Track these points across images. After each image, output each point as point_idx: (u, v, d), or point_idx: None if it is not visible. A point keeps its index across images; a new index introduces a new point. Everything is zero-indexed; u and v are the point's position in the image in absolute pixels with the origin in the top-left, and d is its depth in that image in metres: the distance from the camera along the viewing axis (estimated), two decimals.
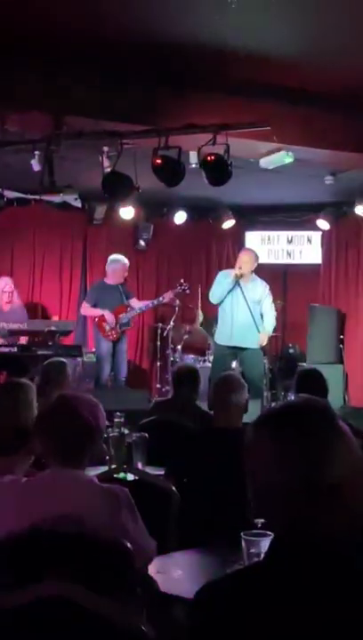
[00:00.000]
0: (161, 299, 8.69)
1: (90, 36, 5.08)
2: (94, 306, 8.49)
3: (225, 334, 7.75)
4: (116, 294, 8.52)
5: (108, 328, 8.38)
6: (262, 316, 7.75)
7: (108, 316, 8.35)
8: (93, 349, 8.71)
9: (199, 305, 9.39)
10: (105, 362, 8.41)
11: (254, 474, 1.44)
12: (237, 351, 7.74)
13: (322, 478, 1.37)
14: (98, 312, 8.44)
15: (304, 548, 1.37)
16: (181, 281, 8.75)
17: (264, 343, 7.67)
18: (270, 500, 1.41)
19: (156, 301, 8.72)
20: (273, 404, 1.51)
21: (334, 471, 1.38)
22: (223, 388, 3.93)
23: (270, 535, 2.23)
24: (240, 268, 7.62)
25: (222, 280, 7.73)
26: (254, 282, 7.80)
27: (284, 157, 6.24)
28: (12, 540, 2.27)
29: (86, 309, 8.67)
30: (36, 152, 5.93)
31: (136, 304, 8.65)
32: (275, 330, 8.19)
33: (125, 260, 8.65)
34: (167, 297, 8.66)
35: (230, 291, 7.65)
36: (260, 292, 7.77)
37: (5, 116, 5.67)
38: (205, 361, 8.85)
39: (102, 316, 8.37)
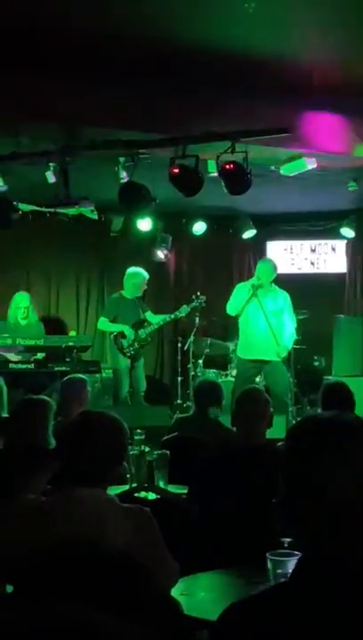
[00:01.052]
0: (177, 313, 8.53)
1: (105, 44, 5.05)
2: (113, 320, 8.33)
3: (246, 347, 7.63)
4: (134, 308, 8.37)
5: (126, 344, 8.22)
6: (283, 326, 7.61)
7: (128, 331, 8.20)
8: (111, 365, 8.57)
9: None
10: (124, 378, 8.25)
11: (294, 491, 1.39)
12: (260, 364, 7.59)
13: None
14: (116, 327, 8.27)
15: (336, 569, 1.33)
16: (198, 294, 8.60)
17: (282, 356, 7.50)
18: (311, 517, 1.36)
19: (172, 315, 8.56)
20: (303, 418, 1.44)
21: None
22: (246, 404, 3.88)
23: (297, 555, 2.12)
24: (259, 278, 7.48)
25: (240, 291, 7.61)
26: (274, 292, 7.67)
27: (305, 164, 6.12)
28: (30, 560, 2.26)
29: (105, 324, 8.49)
30: (51, 164, 5.87)
31: (153, 319, 8.50)
32: (296, 342, 8.02)
33: (145, 273, 8.50)
34: (184, 311, 8.50)
35: (249, 302, 7.50)
36: (280, 302, 7.63)
37: (20, 128, 5.61)
38: (227, 375, 8.68)
39: (122, 332, 8.21)
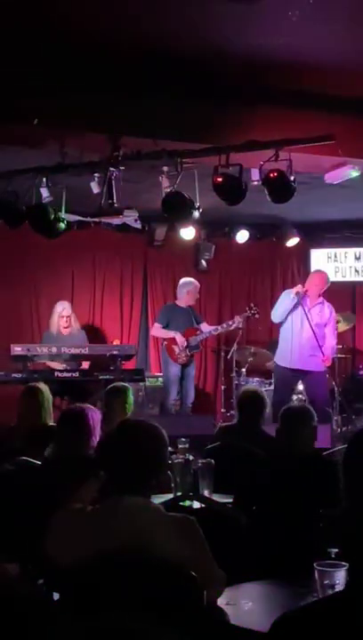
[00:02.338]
0: (230, 323, 8.55)
1: (147, 55, 5.04)
2: (166, 327, 8.40)
3: (286, 356, 7.58)
4: (187, 317, 8.47)
5: (177, 351, 8.28)
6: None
7: (179, 338, 8.27)
8: (160, 373, 8.59)
9: None
10: (173, 386, 8.30)
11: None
12: (300, 374, 7.54)
13: None
14: (170, 334, 8.36)
15: None
16: (252, 305, 8.62)
17: (328, 365, 7.46)
18: None
19: (225, 325, 8.59)
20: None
21: None
22: (292, 421, 3.88)
23: (344, 566, 2.09)
24: (303, 286, 7.47)
25: (285, 298, 7.57)
26: (322, 305, 7.62)
27: (350, 171, 6.06)
28: (77, 568, 2.28)
29: (157, 330, 8.61)
30: (96, 174, 5.90)
31: (206, 328, 8.54)
32: (340, 351, 7.95)
33: (197, 283, 8.58)
34: (236, 321, 8.52)
35: (294, 311, 7.45)
36: (326, 316, 7.59)
37: (64, 140, 5.66)
38: (270, 384, 8.63)
39: (173, 338, 8.27)
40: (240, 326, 8.65)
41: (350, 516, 1.38)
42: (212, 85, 5.44)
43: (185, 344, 8.27)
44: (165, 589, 2.22)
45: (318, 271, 8.05)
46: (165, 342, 8.41)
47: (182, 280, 8.64)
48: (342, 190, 6.99)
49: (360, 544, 1.38)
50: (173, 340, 8.29)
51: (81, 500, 2.77)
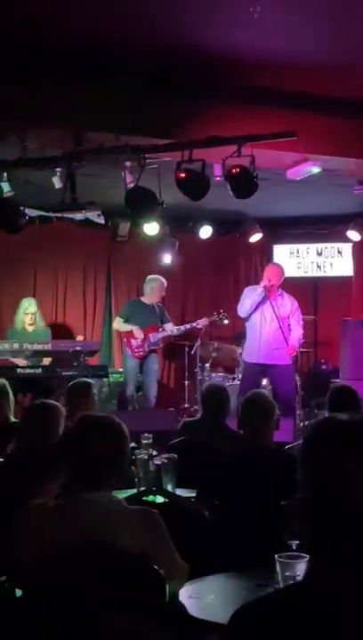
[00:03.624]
0: (195, 324, 8.60)
1: (110, 50, 5.02)
2: (126, 321, 8.40)
3: (253, 351, 7.61)
4: (151, 314, 8.46)
5: (135, 345, 8.27)
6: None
7: (137, 332, 8.26)
8: (120, 368, 8.60)
9: None
10: (130, 380, 8.31)
11: (320, 492, 1.38)
12: (266, 368, 7.58)
13: None
14: (127, 327, 8.34)
15: (354, 570, 1.32)
16: (221, 310, 8.68)
17: (292, 355, 7.52)
18: (331, 520, 1.36)
19: (189, 326, 8.64)
20: (312, 421, 1.42)
21: None
22: (252, 408, 3.87)
23: (305, 557, 2.13)
24: (269, 280, 7.47)
25: (251, 293, 7.61)
26: (282, 298, 7.69)
27: (311, 167, 6.10)
28: (41, 564, 2.29)
29: (117, 323, 8.62)
30: (58, 169, 5.86)
31: (169, 327, 8.55)
32: (303, 346, 8.02)
33: (163, 280, 8.57)
34: (201, 323, 8.62)
35: (258, 306, 7.50)
36: (288, 308, 7.64)
37: (26, 133, 5.61)
38: (234, 379, 8.68)
39: (131, 331, 8.26)
40: (203, 326, 8.69)
41: (304, 507, 1.40)
42: (175, 81, 5.44)
43: (142, 337, 8.26)
44: (128, 582, 2.23)
45: (274, 264, 8.11)
46: (125, 336, 8.41)
47: (148, 277, 8.65)
48: (304, 186, 7.05)
49: (315, 535, 1.40)
50: (131, 334, 8.30)
51: (44, 496, 2.75)
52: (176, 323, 8.87)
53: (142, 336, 8.29)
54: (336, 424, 1.43)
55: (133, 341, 8.31)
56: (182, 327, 8.67)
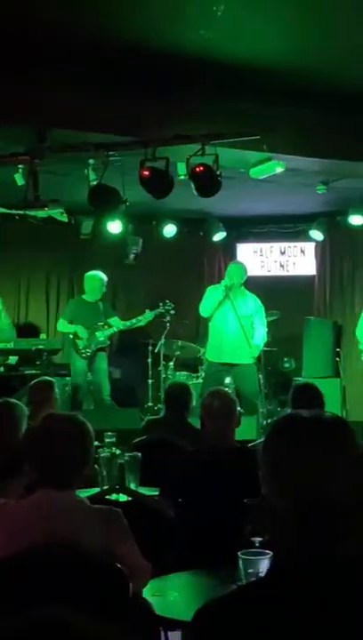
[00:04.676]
0: (140, 318, 8.52)
1: (74, 47, 4.99)
2: (71, 322, 8.31)
3: (216, 350, 7.61)
4: (94, 311, 8.34)
5: (81, 345, 8.19)
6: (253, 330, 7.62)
7: (82, 332, 8.17)
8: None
9: None
10: (80, 380, 8.21)
11: (279, 490, 1.38)
12: (229, 367, 7.60)
13: (355, 491, 1.35)
14: (71, 328, 8.27)
15: (314, 566, 1.33)
16: (166, 301, 8.61)
17: (254, 356, 7.53)
18: (291, 518, 1.36)
19: (134, 321, 8.55)
20: (281, 417, 1.42)
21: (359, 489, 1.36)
22: (213, 404, 3.85)
23: (268, 554, 2.13)
24: (230, 279, 7.49)
25: (212, 292, 7.61)
26: (244, 296, 7.69)
27: (274, 167, 6.15)
28: (3, 564, 2.26)
29: (61, 325, 8.48)
30: (20, 166, 5.81)
31: (116, 323, 8.47)
32: (266, 344, 8.04)
33: (102, 276, 8.46)
34: (146, 317, 8.52)
35: (220, 305, 7.50)
36: (251, 306, 7.64)
37: None
38: (198, 377, 8.68)
39: (76, 332, 8.19)
40: (149, 320, 8.64)
41: (264, 504, 1.41)
42: (139, 79, 5.42)
43: (87, 338, 8.20)
44: (91, 581, 2.22)
45: (235, 262, 8.11)
46: (71, 336, 8.33)
47: (87, 274, 8.51)
48: (268, 185, 7.08)
49: (275, 532, 1.40)
50: (76, 335, 8.22)
51: (6, 496, 2.74)
52: None
53: (87, 336, 8.22)
54: (297, 421, 1.44)
55: (78, 342, 8.22)
56: (128, 322, 8.58)
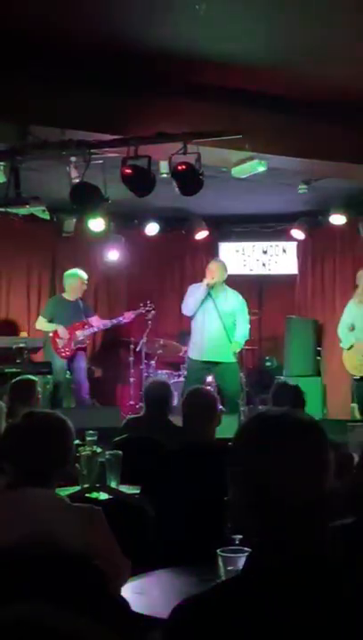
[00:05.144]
0: (121, 319, 8.52)
1: (55, 44, 4.96)
2: (50, 321, 8.28)
3: (198, 348, 7.61)
4: (74, 310, 8.32)
5: (61, 344, 8.16)
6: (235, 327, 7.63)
7: (62, 331, 8.15)
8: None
9: None
10: (59, 378, 8.19)
11: (257, 486, 1.39)
12: (211, 365, 7.60)
13: (323, 490, 1.37)
14: (51, 327, 8.23)
15: (287, 562, 1.35)
16: (148, 302, 8.62)
17: (235, 352, 7.53)
18: (271, 512, 1.37)
19: (115, 321, 8.55)
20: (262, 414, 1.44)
21: (328, 485, 1.38)
22: (194, 403, 3.85)
23: (247, 551, 2.14)
24: (212, 277, 7.49)
25: (194, 291, 7.60)
26: (226, 293, 7.68)
27: (256, 166, 6.16)
28: None
29: (41, 324, 8.44)
30: (1, 163, 5.78)
31: (95, 322, 8.46)
32: (247, 343, 8.06)
33: (82, 274, 8.45)
34: (128, 317, 8.52)
35: (203, 303, 7.50)
36: (232, 303, 7.65)
37: None
38: (179, 376, 8.69)
39: (56, 331, 8.16)
40: (130, 320, 8.63)
41: (234, 502, 1.42)
42: (122, 77, 5.41)
43: (67, 337, 8.18)
44: (70, 580, 2.22)
45: (216, 260, 8.11)
46: (50, 335, 8.30)
47: (66, 272, 8.49)
48: (250, 184, 7.09)
49: (250, 529, 1.41)
50: (56, 334, 8.20)
51: None
52: None
53: (68, 335, 8.19)
54: (265, 419, 1.45)
55: (58, 341, 8.19)
56: (108, 322, 8.57)
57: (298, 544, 1.36)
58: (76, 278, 8.36)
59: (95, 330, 8.47)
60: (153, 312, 8.68)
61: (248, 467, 1.40)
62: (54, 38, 4.91)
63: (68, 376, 8.31)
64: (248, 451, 1.41)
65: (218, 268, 7.64)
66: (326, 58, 5.19)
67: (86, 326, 8.32)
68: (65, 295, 8.43)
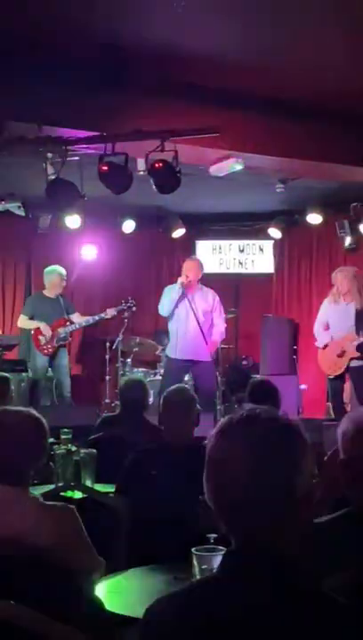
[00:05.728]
0: (103, 315, 8.50)
1: (31, 39, 4.92)
2: (31, 318, 8.25)
3: (175, 347, 7.60)
4: (55, 307, 8.30)
5: (43, 341, 8.13)
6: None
7: (44, 328, 8.11)
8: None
9: None
10: (40, 376, 8.16)
11: (226, 485, 1.39)
12: (188, 364, 7.60)
13: (293, 490, 1.37)
14: (34, 324, 8.19)
15: (262, 561, 1.35)
16: (129, 298, 8.61)
17: (211, 352, 7.54)
18: (239, 512, 1.38)
19: (97, 317, 8.52)
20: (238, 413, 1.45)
21: (302, 484, 1.38)
22: (172, 402, 3.85)
23: (222, 550, 2.14)
24: (187, 276, 7.48)
25: (169, 292, 7.58)
26: (202, 292, 7.67)
27: (234, 165, 6.17)
28: None
29: (22, 321, 8.41)
30: None
31: (77, 319, 8.43)
32: (223, 341, 8.07)
33: (62, 270, 8.42)
34: (110, 313, 8.51)
35: (179, 302, 7.48)
36: (209, 302, 7.64)
37: None
38: (156, 374, 8.67)
39: (38, 328, 8.13)
40: (114, 319, 8.63)
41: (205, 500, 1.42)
42: (100, 74, 5.39)
43: (50, 334, 8.15)
44: (42, 578, 2.20)
45: (191, 259, 8.11)
46: (32, 332, 8.27)
47: (46, 269, 8.46)
48: (227, 183, 7.10)
49: (225, 528, 1.41)
50: (38, 331, 8.17)
51: None
52: None
53: (50, 333, 8.16)
54: (243, 419, 1.44)
55: (40, 338, 8.16)
56: (90, 318, 8.55)
57: (272, 543, 1.36)
58: (55, 274, 8.33)
59: (77, 327, 8.44)
60: (135, 308, 8.66)
61: (223, 465, 1.39)
62: (30, 35, 4.87)
63: (49, 374, 8.27)
64: (223, 449, 1.41)
65: (193, 267, 7.63)
66: (301, 58, 5.21)
67: (68, 323, 8.29)
68: (45, 292, 8.41)
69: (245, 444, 1.38)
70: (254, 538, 1.36)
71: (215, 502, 1.39)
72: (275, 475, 1.36)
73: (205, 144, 5.79)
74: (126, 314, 8.68)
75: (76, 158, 5.62)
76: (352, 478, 1.92)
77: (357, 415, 2.01)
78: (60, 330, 8.20)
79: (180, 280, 7.51)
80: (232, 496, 1.37)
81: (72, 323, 8.35)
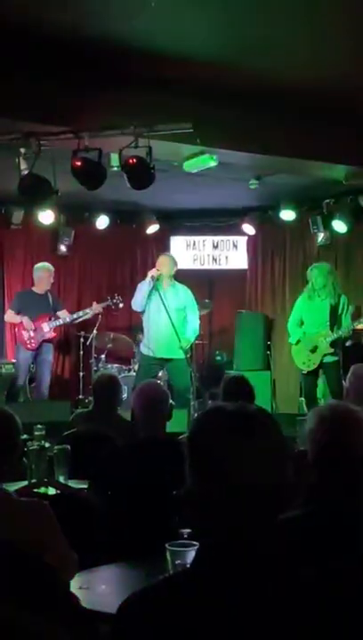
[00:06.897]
0: (88, 310, 8.51)
1: (5, 35, 4.87)
2: (18, 313, 8.25)
3: (149, 345, 7.60)
4: (43, 303, 8.35)
5: (26, 336, 8.13)
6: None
7: (27, 323, 8.12)
8: (13, 360, 8.44)
9: None
10: (21, 371, 8.19)
11: (204, 479, 1.40)
12: (162, 361, 7.60)
13: (275, 484, 1.37)
14: (17, 319, 8.21)
15: (237, 555, 1.35)
16: (115, 295, 8.63)
17: (184, 348, 7.53)
18: (216, 506, 1.37)
19: (81, 313, 8.55)
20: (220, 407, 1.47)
21: (280, 479, 1.38)
22: (144, 397, 3.84)
23: (195, 545, 2.14)
24: (158, 270, 7.47)
25: (141, 287, 7.56)
26: (175, 288, 7.65)
27: (207, 160, 6.17)
28: None
29: (8, 316, 8.46)
30: None
31: (63, 315, 8.44)
32: (198, 337, 8.07)
33: (49, 267, 8.46)
34: (94, 308, 8.51)
35: (151, 298, 7.46)
36: (182, 298, 7.62)
37: None
38: (130, 370, 8.66)
39: (21, 322, 8.14)
40: (98, 312, 8.66)
41: (190, 495, 1.41)
42: (73, 68, 5.35)
43: (33, 328, 8.15)
44: (16, 574, 2.19)
45: (164, 254, 8.10)
46: (16, 327, 8.29)
47: (36, 265, 8.54)
48: (201, 179, 7.10)
49: (201, 522, 1.41)
50: (21, 325, 8.18)
51: None
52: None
53: (33, 327, 8.17)
54: (219, 413, 1.45)
55: (24, 333, 8.17)
56: (75, 315, 8.57)
57: (248, 537, 1.37)
58: (43, 270, 8.42)
59: (61, 322, 8.46)
60: (121, 305, 8.68)
61: (204, 457, 1.40)
62: (6, 29, 4.82)
63: (32, 369, 8.27)
64: (204, 441, 1.41)
65: (165, 262, 7.61)
66: (277, 53, 5.21)
67: (53, 318, 8.31)
68: (34, 288, 8.46)
69: (237, 432, 1.38)
70: (239, 533, 1.36)
71: (203, 491, 1.39)
72: (265, 466, 1.37)
73: (179, 139, 5.78)
74: (108, 308, 8.71)
75: (49, 154, 5.58)
76: (325, 469, 1.93)
77: (320, 408, 2.03)
78: (44, 325, 8.23)
79: (150, 273, 7.50)
80: (222, 484, 1.37)
81: (57, 318, 8.37)
